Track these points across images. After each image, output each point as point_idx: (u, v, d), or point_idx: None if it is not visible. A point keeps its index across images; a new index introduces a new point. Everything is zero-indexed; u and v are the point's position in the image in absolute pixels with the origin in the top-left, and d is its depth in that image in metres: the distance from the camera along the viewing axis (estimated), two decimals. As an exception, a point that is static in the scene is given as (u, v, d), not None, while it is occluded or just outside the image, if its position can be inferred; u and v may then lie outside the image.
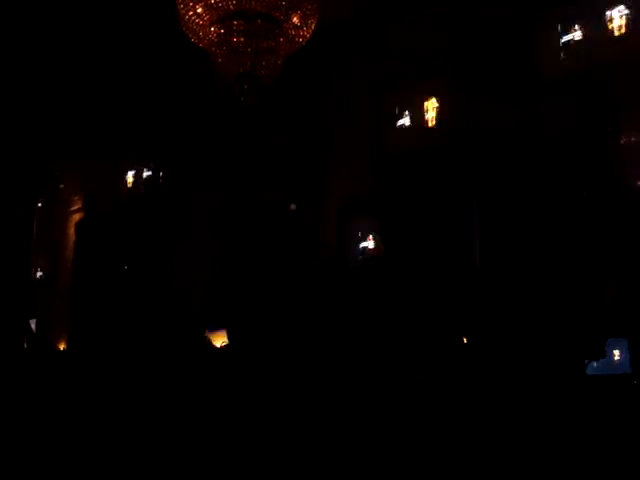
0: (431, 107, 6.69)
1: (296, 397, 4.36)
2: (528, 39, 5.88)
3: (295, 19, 4.65)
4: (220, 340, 5.47)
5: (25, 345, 7.73)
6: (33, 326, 8.12)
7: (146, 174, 8.24)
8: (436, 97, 6.67)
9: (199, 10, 4.54)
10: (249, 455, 4.16)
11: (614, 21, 5.38)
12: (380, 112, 7.13)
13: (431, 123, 6.67)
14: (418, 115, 6.79)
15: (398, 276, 4.19)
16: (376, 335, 4.85)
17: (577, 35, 5.66)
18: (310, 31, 4.77)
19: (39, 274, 9.10)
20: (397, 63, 6.87)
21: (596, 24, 5.51)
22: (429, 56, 6.62)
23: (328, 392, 4.44)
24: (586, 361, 4.54)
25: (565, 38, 5.68)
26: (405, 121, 6.89)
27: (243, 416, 4.39)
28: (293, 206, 7.65)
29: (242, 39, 4.59)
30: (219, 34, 4.61)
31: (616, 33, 5.41)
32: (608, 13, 5.46)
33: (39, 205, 8.72)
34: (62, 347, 8.16)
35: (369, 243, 6.77)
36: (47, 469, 4.29)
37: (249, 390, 4.55)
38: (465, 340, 4.67)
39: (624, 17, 5.37)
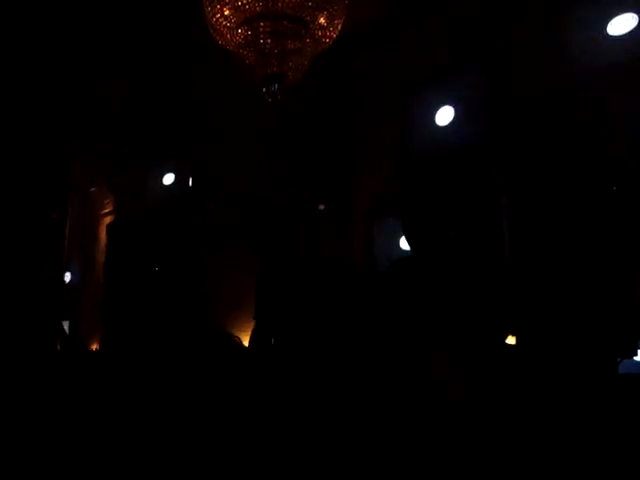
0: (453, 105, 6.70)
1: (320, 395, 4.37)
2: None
3: (322, 20, 4.66)
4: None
5: (58, 347, 7.84)
6: (66, 328, 8.23)
7: (175, 177, 8.31)
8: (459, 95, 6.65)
9: (226, 12, 4.58)
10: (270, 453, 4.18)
11: None
12: (407, 111, 7.12)
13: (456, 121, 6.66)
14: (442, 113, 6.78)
15: (427, 275, 4.17)
16: (404, 335, 4.84)
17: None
18: (337, 31, 4.79)
19: (71, 276, 9.23)
20: (420, 63, 6.88)
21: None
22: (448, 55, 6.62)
23: (352, 392, 4.44)
24: (618, 359, 4.48)
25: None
26: (431, 119, 6.87)
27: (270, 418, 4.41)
28: (322, 207, 7.67)
29: (269, 40, 4.62)
30: (246, 36, 4.65)
31: None
32: None
33: (71, 208, 8.84)
34: (95, 348, 8.26)
35: (399, 243, 6.78)
36: (79, 467, 4.35)
37: (277, 390, 4.57)
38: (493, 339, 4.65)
39: None
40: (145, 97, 7.88)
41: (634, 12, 5.29)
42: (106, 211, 9.00)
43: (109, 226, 8.21)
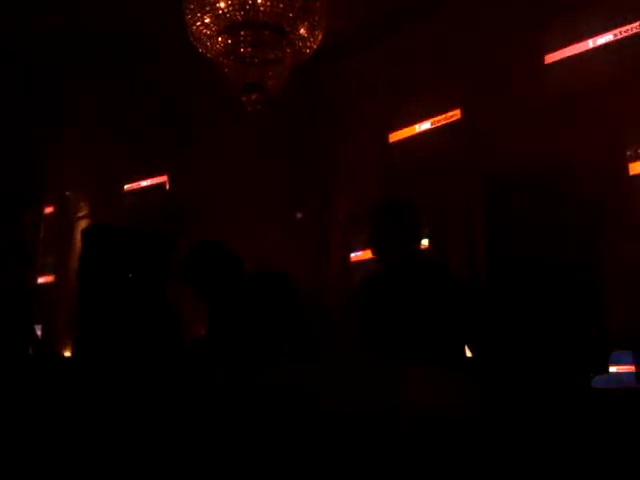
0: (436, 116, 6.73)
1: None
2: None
3: (302, 30, 4.67)
4: None
5: (30, 351, 7.73)
6: (38, 332, 8.12)
7: (153, 181, 8.28)
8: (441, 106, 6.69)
9: (207, 20, 4.57)
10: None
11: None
12: (385, 122, 7.14)
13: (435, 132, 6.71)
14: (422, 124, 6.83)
15: (396, 288, 4.10)
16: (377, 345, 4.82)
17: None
18: (317, 42, 4.80)
19: (44, 280, 9.13)
20: (401, 74, 6.88)
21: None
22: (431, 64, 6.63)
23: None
24: (591, 374, 4.50)
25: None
26: (409, 131, 6.93)
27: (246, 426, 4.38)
28: (299, 215, 7.65)
29: (249, 49, 4.61)
30: (226, 44, 4.64)
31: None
32: None
33: (45, 211, 8.77)
34: (67, 353, 8.17)
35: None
36: (50, 476, 4.29)
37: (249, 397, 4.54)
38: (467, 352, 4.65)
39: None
40: (128, 102, 7.82)
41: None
42: (81, 214, 8.91)
43: (83, 231, 8.13)
